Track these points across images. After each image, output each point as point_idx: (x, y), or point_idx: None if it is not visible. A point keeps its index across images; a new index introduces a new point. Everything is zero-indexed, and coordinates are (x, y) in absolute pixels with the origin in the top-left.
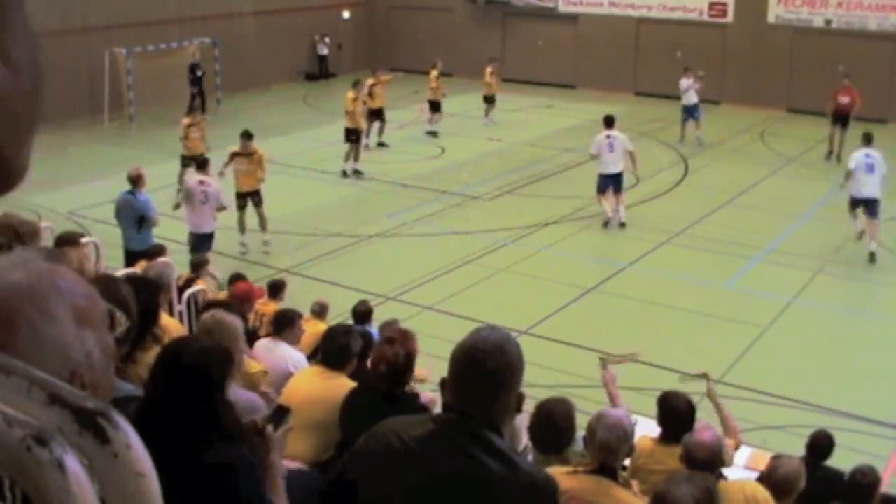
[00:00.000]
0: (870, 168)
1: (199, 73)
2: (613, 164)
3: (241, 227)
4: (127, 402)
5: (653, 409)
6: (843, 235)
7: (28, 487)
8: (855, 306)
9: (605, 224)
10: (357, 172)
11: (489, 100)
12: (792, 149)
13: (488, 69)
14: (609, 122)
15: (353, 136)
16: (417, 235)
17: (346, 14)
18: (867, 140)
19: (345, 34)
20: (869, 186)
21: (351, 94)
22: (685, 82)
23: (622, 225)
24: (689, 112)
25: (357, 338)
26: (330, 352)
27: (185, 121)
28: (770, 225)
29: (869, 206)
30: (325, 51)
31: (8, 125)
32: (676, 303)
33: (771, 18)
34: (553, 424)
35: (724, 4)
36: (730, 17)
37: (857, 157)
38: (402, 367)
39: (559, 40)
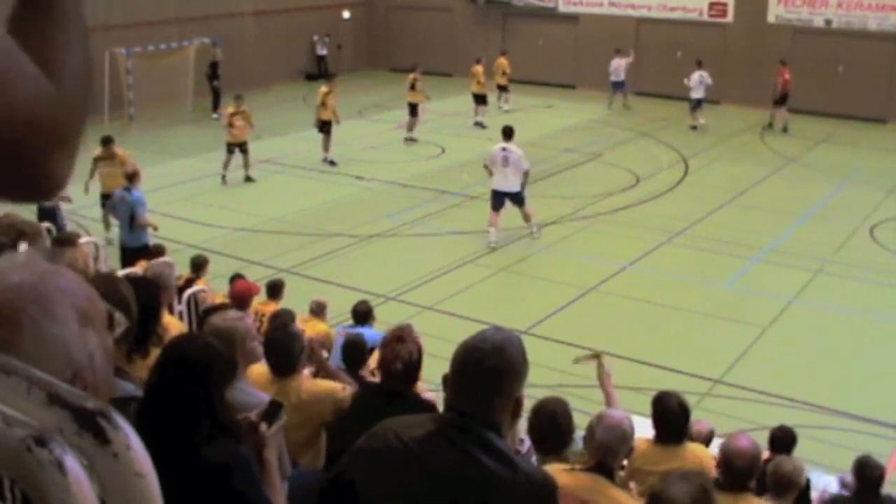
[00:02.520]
0: (701, 82)
1: (219, 72)
2: (505, 180)
3: (107, 224)
4: (127, 402)
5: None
6: (843, 236)
7: (28, 487)
8: (855, 306)
9: (489, 244)
10: (331, 162)
11: (503, 88)
12: (792, 149)
13: (502, 60)
14: (507, 133)
15: (325, 127)
16: (417, 235)
17: (346, 14)
18: (699, 64)
19: (345, 34)
20: (700, 93)
21: (324, 89)
22: (616, 62)
23: (535, 236)
24: (617, 87)
25: (300, 340)
26: (275, 362)
27: (229, 109)
28: (770, 225)
29: (700, 103)
30: (324, 51)
31: (46, 139)
32: (676, 303)
33: (771, 18)
34: (556, 425)
35: (724, 4)
36: (730, 17)
37: (695, 76)
38: (416, 363)
39: (559, 40)
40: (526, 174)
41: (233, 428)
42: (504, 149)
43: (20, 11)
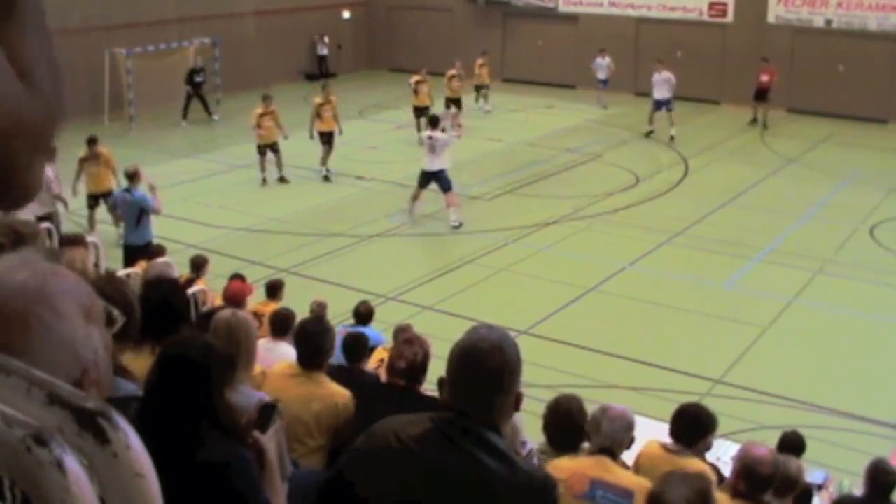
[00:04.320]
0: (663, 83)
1: (197, 79)
2: (431, 163)
3: (91, 224)
4: (128, 402)
5: (653, 409)
6: (843, 236)
7: (28, 487)
8: (855, 306)
9: (409, 213)
10: (325, 178)
11: (479, 88)
12: (792, 149)
13: (479, 61)
14: (433, 122)
15: (324, 137)
16: (417, 235)
17: (346, 14)
18: (659, 61)
19: (345, 34)
20: (662, 93)
21: (318, 99)
22: (599, 61)
23: (456, 227)
24: (602, 83)
25: (332, 332)
26: (307, 350)
27: (258, 110)
28: (770, 225)
29: (666, 104)
30: (324, 51)
31: (21, 144)
32: (676, 303)
33: (771, 18)
34: (573, 422)
35: (724, 4)
36: (730, 17)
37: (656, 76)
38: (420, 365)
39: (559, 40)
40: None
41: (233, 428)
42: (430, 137)
43: None
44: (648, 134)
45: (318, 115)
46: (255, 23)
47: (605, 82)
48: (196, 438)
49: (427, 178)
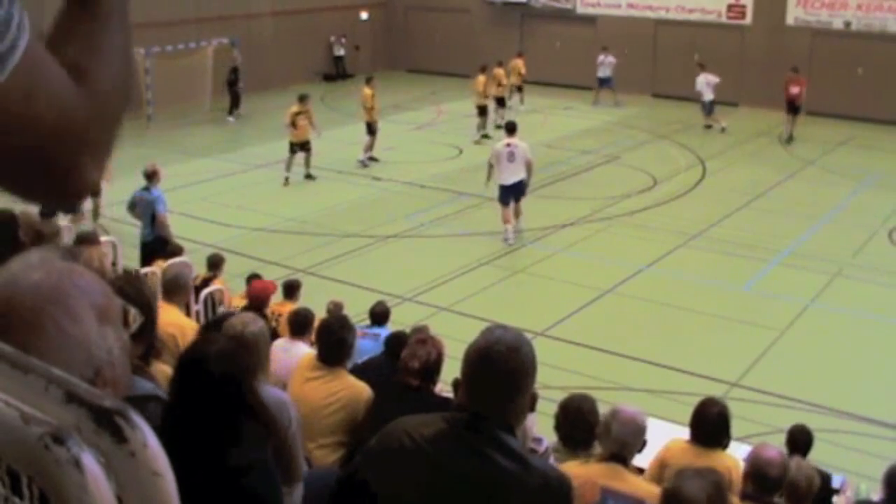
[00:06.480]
0: (705, 85)
1: (239, 76)
2: (513, 175)
3: (96, 217)
4: (146, 400)
5: (669, 412)
6: (862, 239)
7: (45, 485)
8: (873, 310)
9: (506, 241)
10: (372, 159)
11: (518, 88)
12: (810, 151)
13: (519, 62)
14: (511, 129)
15: (372, 127)
16: (434, 236)
17: (363, 15)
18: (701, 67)
19: (362, 35)
20: (709, 95)
21: (368, 91)
22: (602, 58)
23: (517, 233)
24: (603, 83)
25: (354, 331)
26: (329, 346)
27: (293, 108)
28: (788, 228)
29: (708, 105)
30: (341, 51)
31: (73, 146)
32: (693, 305)
33: (790, 20)
34: (584, 421)
35: (743, 6)
36: (748, 19)
37: (699, 79)
38: (433, 365)
39: (577, 42)
40: (529, 165)
41: (267, 421)
42: (508, 144)
43: (63, 15)
44: (721, 130)
45: (372, 107)
46: (272, 23)
47: (608, 80)
48: (221, 443)
49: (508, 194)
